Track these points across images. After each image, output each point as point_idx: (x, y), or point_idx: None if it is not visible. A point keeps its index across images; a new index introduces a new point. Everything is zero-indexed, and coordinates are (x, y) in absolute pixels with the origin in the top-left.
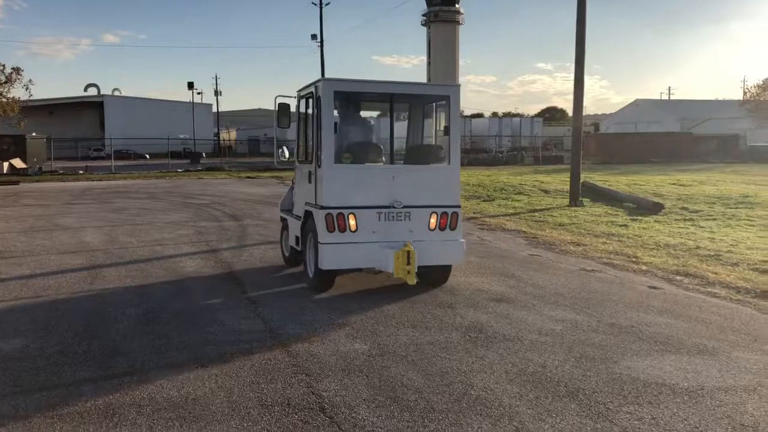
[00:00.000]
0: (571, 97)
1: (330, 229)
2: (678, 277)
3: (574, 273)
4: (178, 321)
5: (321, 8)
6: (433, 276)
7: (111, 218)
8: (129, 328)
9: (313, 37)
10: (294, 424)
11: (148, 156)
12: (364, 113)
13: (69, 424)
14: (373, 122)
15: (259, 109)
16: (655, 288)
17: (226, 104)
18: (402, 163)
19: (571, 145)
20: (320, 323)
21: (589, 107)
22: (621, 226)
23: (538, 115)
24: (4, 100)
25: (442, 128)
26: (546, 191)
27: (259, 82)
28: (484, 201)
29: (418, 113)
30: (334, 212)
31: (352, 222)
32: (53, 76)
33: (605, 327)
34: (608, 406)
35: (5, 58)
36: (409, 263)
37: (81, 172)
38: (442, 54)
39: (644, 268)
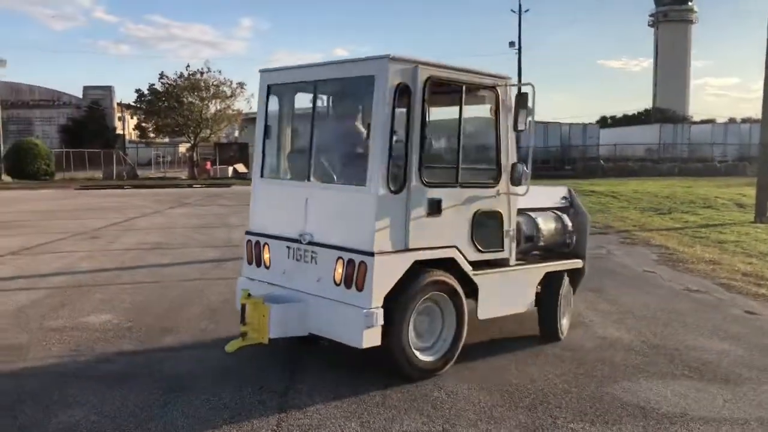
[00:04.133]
0: None
1: (249, 259)
2: None
3: (671, 293)
4: None
5: (520, 15)
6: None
7: None
8: (196, 311)
9: (511, 44)
10: None
11: None
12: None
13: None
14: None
15: None
16: (751, 314)
17: None
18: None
19: (759, 153)
20: None
21: None
22: None
23: None
24: (230, 111)
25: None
26: (742, 206)
27: None
28: (658, 214)
29: (352, 105)
30: (253, 239)
31: (266, 255)
32: None
33: (643, 347)
34: (557, 421)
35: (244, 76)
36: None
37: None
38: (671, 55)
39: (764, 291)
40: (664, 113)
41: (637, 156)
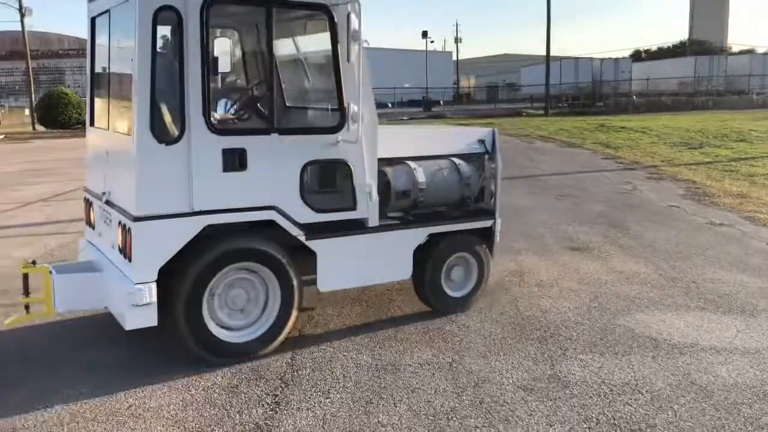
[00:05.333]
0: None
1: (85, 219)
2: None
3: (694, 226)
4: None
5: None
6: None
7: None
8: None
9: None
10: None
11: (389, 105)
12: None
13: None
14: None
15: (506, 54)
16: None
17: (468, 52)
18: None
19: None
20: None
21: None
22: None
23: None
24: None
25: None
26: None
27: (504, 27)
28: (688, 149)
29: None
30: (85, 196)
31: (92, 215)
32: None
33: (660, 281)
34: (567, 352)
35: None
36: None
37: None
38: None
39: None
40: (702, 45)
41: (670, 90)
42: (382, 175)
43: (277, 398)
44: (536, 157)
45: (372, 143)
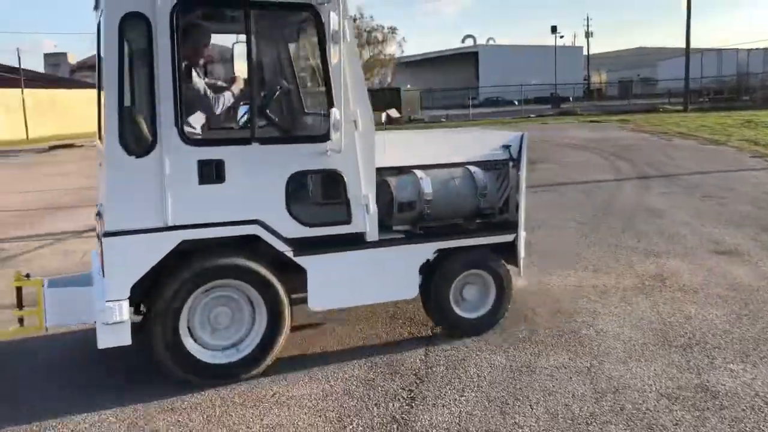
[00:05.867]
0: None
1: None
2: None
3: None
4: None
5: None
6: None
7: None
8: None
9: None
10: None
11: (516, 102)
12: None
13: None
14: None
15: (639, 48)
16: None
17: (599, 46)
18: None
19: None
20: None
21: None
22: None
23: None
24: (382, 57)
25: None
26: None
27: (637, 20)
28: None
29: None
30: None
31: (97, 226)
32: (438, 30)
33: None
34: (714, 362)
35: (396, 20)
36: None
37: (443, 120)
38: None
39: None
40: None
41: None
42: (385, 185)
43: (412, 393)
44: (675, 154)
45: (368, 151)
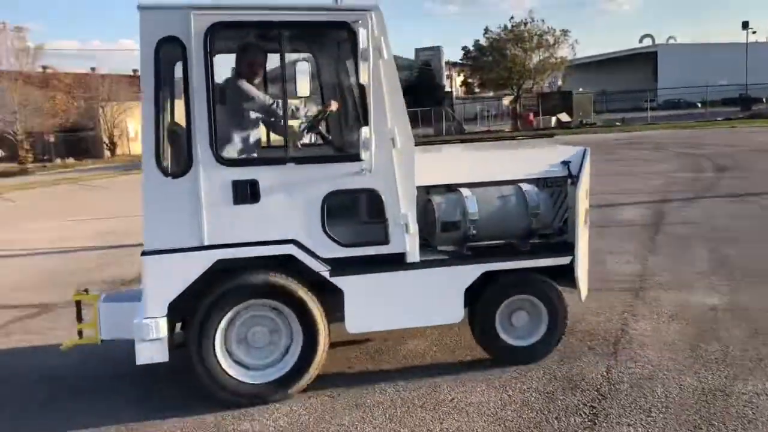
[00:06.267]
0: None
1: None
2: None
3: None
4: None
5: None
6: None
7: (594, 167)
8: None
9: None
10: None
11: (698, 105)
12: None
13: None
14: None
15: None
16: None
17: None
18: None
19: None
20: None
21: None
22: None
23: None
24: (553, 60)
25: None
26: None
27: None
28: None
29: None
30: None
31: None
32: (612, 30)
33: None
34: None
35: (568, 22)
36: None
37: (617, 123)
38: None
39: None
40: None
41: None
42: (428, 204)
43: (594, 410)
44: None
45: (407, 169)
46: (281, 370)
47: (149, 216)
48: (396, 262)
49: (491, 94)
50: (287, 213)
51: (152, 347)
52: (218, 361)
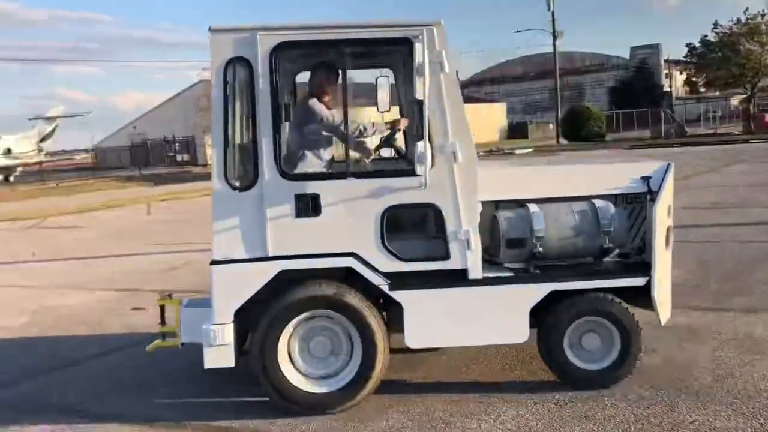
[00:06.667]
0: None
1: None
2: None
3: None
4: None
5: None
6: None
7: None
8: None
9: None
10: None
11: None
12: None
13: None
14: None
15: None
16: None
17: None
18: None
19: None
20: None
21: None
22: None
23: None
24: None
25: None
26: None
27: None
28: None
29: None
30: None
31: None
32: None
33: None
34: None
35: None
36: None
37: None
38: None
39: None
40: None
41: None
42: (494, 220)
43: None
44: None
45: (468, 184)
46: (343, 380)
47: (218, 227)
48: (457, 278)
49: (717, 93)
50: (347, 226)
51: (219, 352)
52: (281, 369)
